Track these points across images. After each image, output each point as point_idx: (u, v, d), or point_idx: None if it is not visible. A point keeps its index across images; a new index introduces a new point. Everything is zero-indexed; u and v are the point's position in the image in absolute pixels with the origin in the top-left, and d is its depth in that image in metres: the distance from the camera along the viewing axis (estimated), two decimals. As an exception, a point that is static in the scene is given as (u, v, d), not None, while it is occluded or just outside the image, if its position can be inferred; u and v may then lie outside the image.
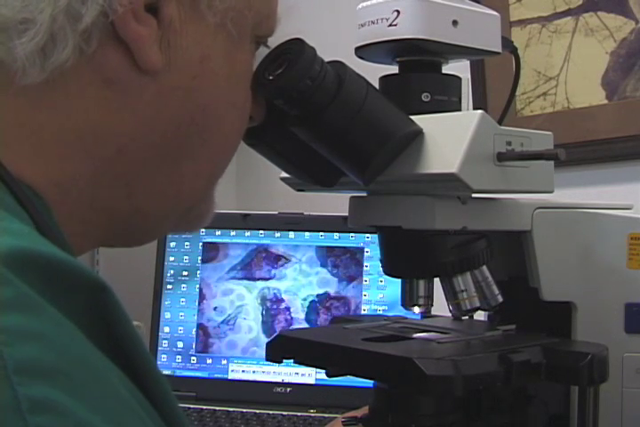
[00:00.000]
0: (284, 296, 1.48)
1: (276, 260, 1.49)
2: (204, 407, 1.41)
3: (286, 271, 1.48)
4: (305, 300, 1.47)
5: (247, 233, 1.51)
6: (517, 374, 0.75)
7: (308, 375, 1.44)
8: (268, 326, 1.48)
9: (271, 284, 1.49)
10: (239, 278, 1.50)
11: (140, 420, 0.43)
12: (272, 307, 1.48)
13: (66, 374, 0.39)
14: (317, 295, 1.47)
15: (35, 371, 0.38)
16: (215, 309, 1.50)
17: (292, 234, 1.49)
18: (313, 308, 1.47)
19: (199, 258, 1.52)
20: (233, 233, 1.51)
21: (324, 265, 1.47)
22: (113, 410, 0.41)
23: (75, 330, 0.42)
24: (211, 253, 1.51)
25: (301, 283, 1.47)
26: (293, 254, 1.48)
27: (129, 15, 0.54)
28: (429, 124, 0.73)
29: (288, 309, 1.48)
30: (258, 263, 1.49)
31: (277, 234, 1.50)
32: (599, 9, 1.46)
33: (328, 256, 1.47)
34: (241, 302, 1.49)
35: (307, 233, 1.49)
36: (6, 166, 0.52)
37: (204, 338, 1.48)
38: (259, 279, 1.49)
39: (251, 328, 1.49)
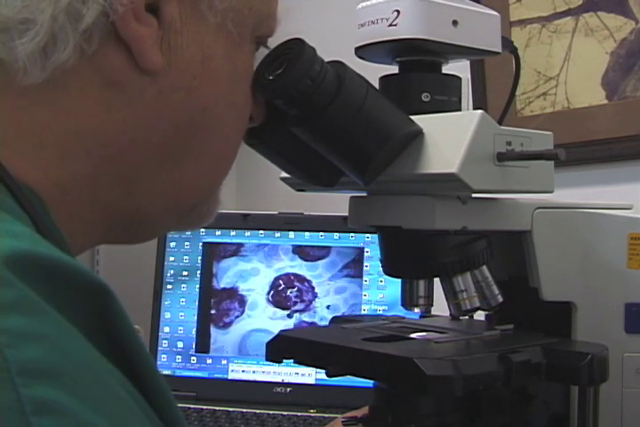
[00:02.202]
0: None
1: None
2: (204, 407, 1.41)
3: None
4: None
5: (247, 233, 1.51)
6: (517, 374, 0.75)
7: (308, 375, 1.44)
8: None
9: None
10: (352, 277, 1.49)
11: (140, 422, 0.43)
12: None
13: (68, 375, 0.39)
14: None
15: (38, 372, 0.38)
16: (328, 307, 1.49)
17: (291, 234, 1.49)
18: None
19: (199, 258, 1.52)
20: (233, 233, 1.51)
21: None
22: (115, 412, 0.41)
23: (76, 332, 0.42)
24: (321, 251, 1.49)
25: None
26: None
27: (129, 15, 0.54)
28: (429, 124, 0.73)
29: None
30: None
31: (277, 234, 1.50)
32: (599, 9, 1.46)
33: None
34: (354, 300, 1.48)
35: (307, 233, 1.49)
36: (6, 167, 0.52)
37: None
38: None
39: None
